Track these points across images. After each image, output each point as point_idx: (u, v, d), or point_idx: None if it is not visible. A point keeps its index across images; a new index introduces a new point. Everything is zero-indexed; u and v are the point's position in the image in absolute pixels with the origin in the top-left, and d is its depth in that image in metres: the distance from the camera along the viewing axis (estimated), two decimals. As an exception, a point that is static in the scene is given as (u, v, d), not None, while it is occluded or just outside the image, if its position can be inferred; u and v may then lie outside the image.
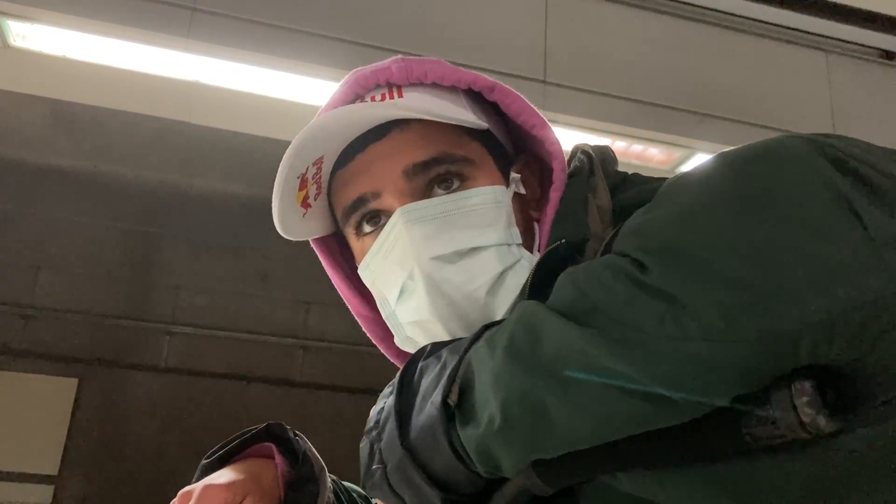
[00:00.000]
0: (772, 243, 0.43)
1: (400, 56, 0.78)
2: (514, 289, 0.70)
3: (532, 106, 0.78)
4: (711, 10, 2.80)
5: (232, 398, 5.58)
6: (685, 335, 0.43)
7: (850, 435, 0.43)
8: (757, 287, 0.42)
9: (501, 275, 0.70)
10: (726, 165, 0.49)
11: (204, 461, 0.78)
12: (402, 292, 0.72)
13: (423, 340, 0.71)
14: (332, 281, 0.85)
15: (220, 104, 2.48)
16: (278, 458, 0.77)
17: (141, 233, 5.33)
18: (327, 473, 0.80)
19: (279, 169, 0.71)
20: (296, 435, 0.81)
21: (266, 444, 0.79)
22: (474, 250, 0.70)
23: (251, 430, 0.80)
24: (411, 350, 0.75)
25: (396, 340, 0.77)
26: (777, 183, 0.45)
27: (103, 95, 2.61)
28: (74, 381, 5.37)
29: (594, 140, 2.64)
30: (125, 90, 2.44)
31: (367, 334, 0.85)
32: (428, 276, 0.69)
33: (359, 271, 0.77)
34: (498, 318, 0.68)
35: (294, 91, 2.33)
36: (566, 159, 0.78)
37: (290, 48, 2.24)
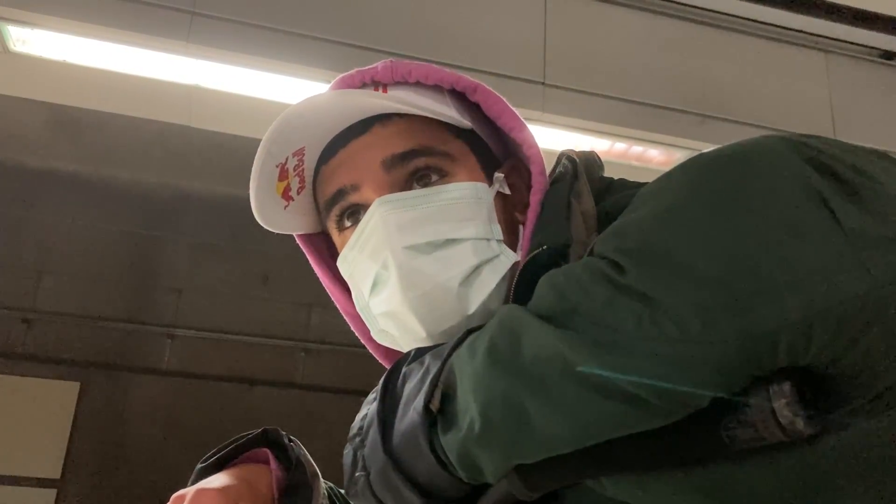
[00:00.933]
0: (748, 243, 0.43)
1: (389, 59, 0.79)
2: (489, 283, 0.69)
3: (512, 109, 0.78)
4: (711, 11, 2.80)
5: (234, 401, 5.58)
6: (662, 336, 0.43)
7: (830, 437, 0.43)
8: (734, 287, 0.42)
9: (477, 268, 0.70)
10: (703, 166, 0.49)
11: (200, 465, 0.78)
12: (375, 283, 0.71)
13: (396, 332, 0.71)
14: (320, 279, 0.85)
15: (219, 107, 2.48)
16: (273, 464, 0.77)
17: (142, 236, 5.34)
18: (321, 479, 0.80)
19: (256, 155, 0.71)
20: (291, 441, 0.81)
21: (262, 449, 0.79)
22: (450, 242, 0.70)
23: (247, 434, 0.80)
24: (387, 343, 0.75)
25: (372, 334, 0.76)
26: (753, 182, 0.45)
27: (104, 99, 2.61)
28: (76, 385, 5.37)
29: (594, 141, 2.65)
30: (125, 94, 2.45)
31: (355, 332, 0.85)
32: (401, 265, 0.68)
33: (338, 264, 0.77)
34: (472, 310, 0.68)
35: (294, 94, 2.33)
36: (553, 165, 0.78)
37: (289, 51, 2.24)
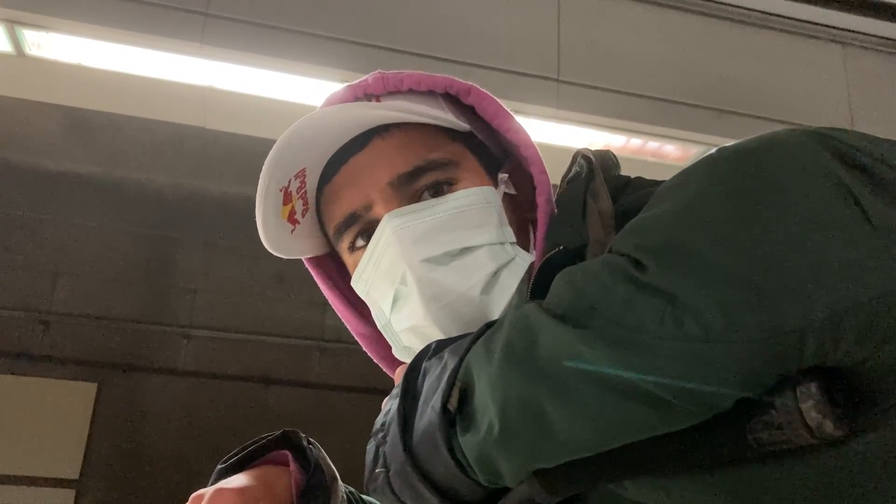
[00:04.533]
0: (774, 239, 0.41)
1: (378, 71, 0.78)
2: (509, 287, 0.69)
3: (506, 109, 0.77)
4: (725, 4, 2.78)
5: (250, 400, 5.60)
6: (685, 335, 0.41)
7: (859, 439, 0.42)
8: (759, 284, 0.40)
9: (496, 273, 0.69)
10: (726, 160, 0.48)
11: (219, 466, 0.78)
12: (395, 300, 0.70)
13: (420, 347, 0.69)
14: (330, 302, 0.84)
15: (234, 108, 2.49)
16: (293, 466, 0.77)
17: (157, 237, 5.36)
18: (340, 483, 0.80)
19: (259, 181, 0.70)
20: (310, 443, 0.81)
21: (281, 451, 0.79)
22: (466, 250, 0.69)
23: (267, 436, 0.80)
24: (409, 361, 0.74)
25: (394, 351, 0.75)
26: (778, 176, 0.44)
27: (118, 102, 2.63)
28: (94, 386, 5.42)
29: (609, 137, 2.64)
30: (140, 96, 2.46)
31: (369, 353, 0.84)
32: (420, 279, 0.67)
33: (353, 284, 0.76)
34: (494, 317, 0.67)
35: (308, 94, 2.33)
36: (569, 164, 0.77)
37: (303, 52, 2.25)
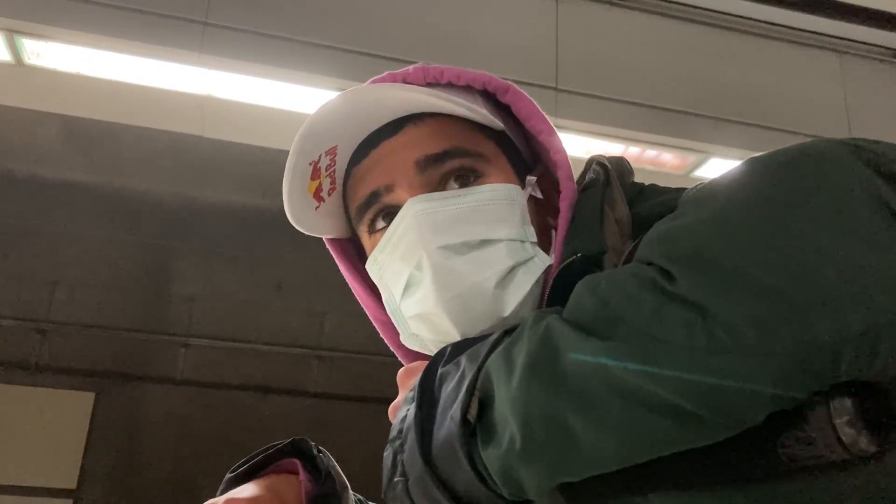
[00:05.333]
0: (808, 250, 0.40)
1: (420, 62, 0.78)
2: (524, 285, 0.67)
3: (542, 112, 0.76)
4: (723, 13, 2.78)
5: (248, 409, 5.58)
6: (716, 348, 0.40)
7: (891, 455, 0.41)
8: (793, 297, 0.39)
9: (512, 269, 0.68)
10: (758, 170, 0.47)
11: (229, 475, 0.77)
12: (408, 285, 0.69)
13: (428, 335, 0.69)
14: (350, 285, 0.83)
15: (232, 117, 2.49)
16: (303, 475, 0.76)
17: (155, 245, 5.35)
18: (350, 491, 0.79)
19: (290, 153, 0.70)
20: (320, 451, 0.80)
21: (291, 459, 0.78)
22: (485, 242, 0.68)
23: (276, 444, 0.79)
24: (416, 348, 0.73)
25: (402, 338, 0.74)
26: (811, 187, 0.43)
27: (117, 111, 2.63)
28: (91, 395, 5.39)
29: (607, 146, 2.64)
30: (138, 105, 2.46)
31: (385, 340, 0.83)
32: (435, 265, 0.66)
33: (367, 266, 0.75)
34: (507, 312, 0.66)
35: (306, 103, 2.33)
36: (582, 170, 0.77)
37: (301, 61, 2.25)
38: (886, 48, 2.99)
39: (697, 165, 2.71)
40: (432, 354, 0.64)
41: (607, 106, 2.53)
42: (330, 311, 5.64)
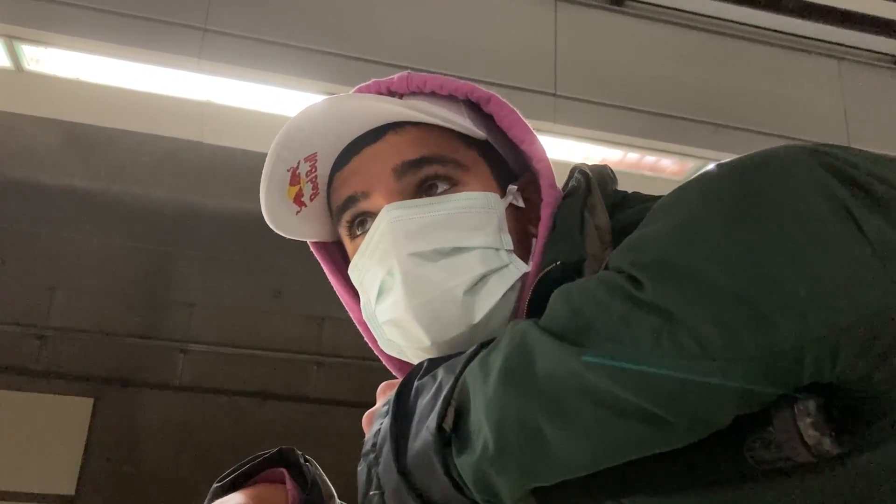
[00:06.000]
0: (771, 256, 0.41)
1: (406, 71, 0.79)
2: (496, 292, 0.68)
3: (524, 121, 0.77)
4: (722, 19, 2.79)
5: (247, 415, 5.58)
6: (682, 353, 0.41)
7: (858, 457, 0.42)
8: (756, 302, 0.40)
9: (484, 277, 0.68)
10: (721, 176, 0.48)
11: (215, 485, 0.77)
12: (381, 291, 0.70)
13: (401, 342, 0.70)
14: (335, 289, 0.84)
15: (231, 123, 2.50)
16: (290, 484, 0.76)
17: (155, 251, 5.35)
18: (337, 500, 0.79)
19: (266, 160, 0.71)
20: (307, 460, 0.80)
21: (278, 468, 0.78)
22: (457, 250, 0.69)
23: (264, 454, 0.79)
24: (394, 353, 0.74)
25: (379, 343, 0.75)
26: (775, 193, 0.44)
27: (116, 117, 2.63)
28: (90, 401, 5.39)
29: (606, 152, 2.64)
30: (138, 111, 2.47)
31: (369, 344, 0.83)
32: (406, 272, 0.67)
33: (349, 271, 0.76)
34: (477, 319, 0.66)
35: (305, 108, 2.33)
36: (566, 179, 0.77)
37: (301, 67, 2.25)
38: (885, 54, 3.00)
39: (697, 171, 2.70)
40: (410, 361, 0.64)
41: (606, 111, 2.53)
42: (329, 316, 5.64)
